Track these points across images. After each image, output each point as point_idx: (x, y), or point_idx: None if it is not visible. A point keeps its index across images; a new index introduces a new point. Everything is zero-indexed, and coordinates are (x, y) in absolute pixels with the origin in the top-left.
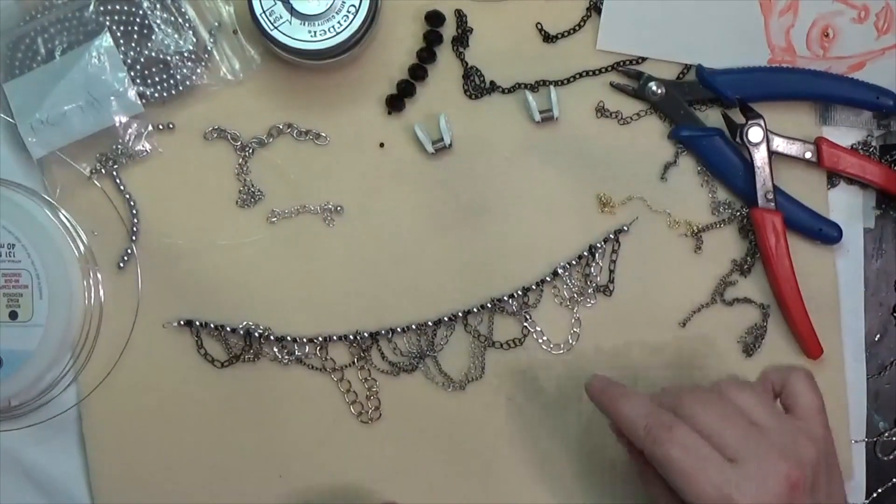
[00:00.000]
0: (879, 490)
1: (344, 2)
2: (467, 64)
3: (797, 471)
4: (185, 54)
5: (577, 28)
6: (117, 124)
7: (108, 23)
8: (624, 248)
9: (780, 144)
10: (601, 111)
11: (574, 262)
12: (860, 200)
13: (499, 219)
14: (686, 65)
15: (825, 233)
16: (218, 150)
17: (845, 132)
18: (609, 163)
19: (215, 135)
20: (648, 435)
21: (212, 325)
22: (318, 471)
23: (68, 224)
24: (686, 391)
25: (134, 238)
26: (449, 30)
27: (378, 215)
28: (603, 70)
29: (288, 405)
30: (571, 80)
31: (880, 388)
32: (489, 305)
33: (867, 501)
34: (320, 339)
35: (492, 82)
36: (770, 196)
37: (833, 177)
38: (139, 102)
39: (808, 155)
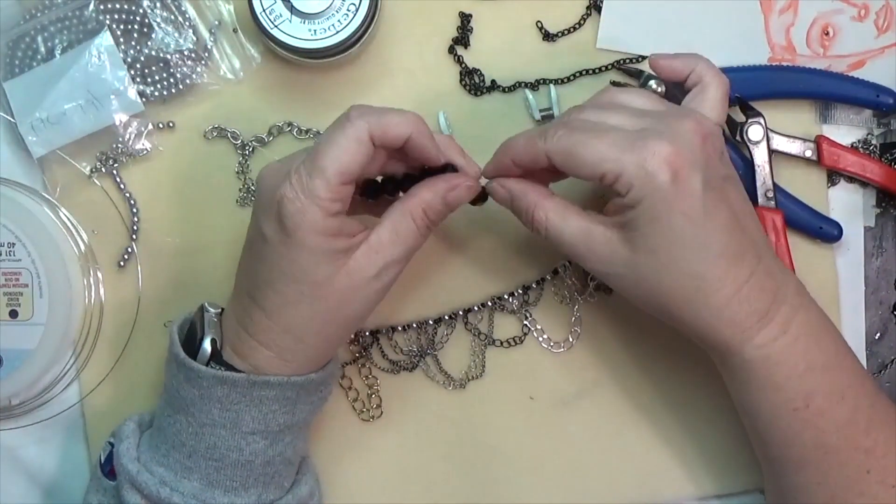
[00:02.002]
0: None
1: (344, 0)
2: (467, 64)
3: (706, 125)
4: (186, 53)
5: (577, 27)
6: (117, 123)
7: (108, 21)
8: None
9: (780, 143)
10: None
11: None
12: (860, 199)
13: (500, 216)
14: None
15: (825, 231)
16: (218, 149)
17: (845, 130)
18: None
19: (215, 133)
20: (545, 137)
21: None
22: (318, 468)
23: (68, 223)
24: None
25: (134, 237)
26: (450, 30)
27: None
28: (603, 68)
29: None
30: (572, 78)
31: (881, 387)
32: (489, 303)
33: None
34: None
35: (492, 81)
36: (770, 194)
37: (833, 175)
38: (139, 101)
39: (809, 153)
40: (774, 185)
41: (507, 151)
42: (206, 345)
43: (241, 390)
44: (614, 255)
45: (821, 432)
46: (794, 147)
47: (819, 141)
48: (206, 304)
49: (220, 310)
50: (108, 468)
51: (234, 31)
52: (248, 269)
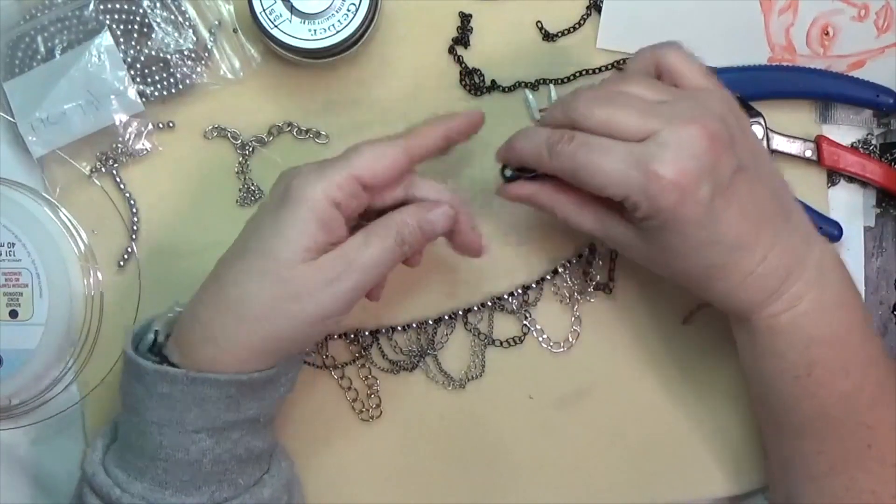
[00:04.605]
0: None
1: (344, 0)
2: (467, 64)
3: (712, 124)
4: (185, 53)
5: (577, 27)
6: (117, 123)
7: (107, 21)
8: None
9: (780, 143)
10: None
11: (574, 260)
12: (860, 199)
13: (499, 216)
14: None
15: (825, 231)
16: (218, 149)
17: (845, 130)
18: None
19: (215, 133)
20: (552, 154)
21: None
22: (318, 468)
23: (68, 223)
24: (574, 94)
25: (134, 237)
26: (450, 30)
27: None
28: (603, 68)
29: (288, 403)
30: (572, 78)
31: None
32: (489, 303)
33: None
34: None
35: (492, 81)
36: None
37: (833, 175)
38: (139, 101)
39: (809, 153)
40: None
41: (515, 153)
42: (150, 334)
43: (182, 387)
44: (632, 246)
45: (821, 402)
46: (794, 147)
47: (819, 141)
48: (176, 302)
49: None
50: None
51: (234, 31)
52: (223, 256)
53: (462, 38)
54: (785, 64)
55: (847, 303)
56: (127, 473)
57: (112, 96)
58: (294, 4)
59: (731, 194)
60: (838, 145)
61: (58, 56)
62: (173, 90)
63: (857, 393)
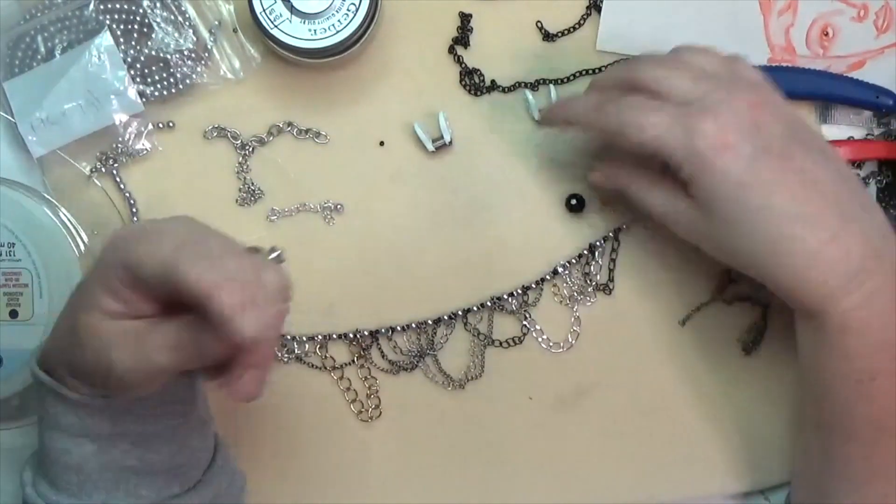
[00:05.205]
0: None
1: (344, 0)
2: (467, 64)
3: (754, 95)
4: (186, 53)
5: (577, 27)
6: (117, 123)
7: (108, 21)
8: (624, 246)
9: None
10: None
11: (574, 261)
12: None
13: (499, 217)
14: None
15: None
16: (218, 149)
17: (845, 131)
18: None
19: (215, 133)
20: (599, 112)
21: None
22: (317, 469)
23: (68, 223)
24: (638, 57)
25: None
26: (450, 30)
27: (378, 214)
28: (603, 69)
29: (287, 404)
30: (572, 78)
31: None
32: (489, 304)
33: None
34: (320, 337)
35: (492, 81)
36: None
37: None
38: (139, 101)
39: None
40: None
41: (563, 112)
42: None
43: (55, 394)
44: (696, 224)
45: (878, 410)
46: None
47: None
48: None
49: None
50: None
51: (234, 31)
52: None
53: (462, 38)
54: (785, 65)
55: None
56: (38, 475)
57: (112, 96)
58: (294, 4)
59: (784, 159)
60: (838, 143)
61: (58, 56)
62: (173, 90)
63: None
